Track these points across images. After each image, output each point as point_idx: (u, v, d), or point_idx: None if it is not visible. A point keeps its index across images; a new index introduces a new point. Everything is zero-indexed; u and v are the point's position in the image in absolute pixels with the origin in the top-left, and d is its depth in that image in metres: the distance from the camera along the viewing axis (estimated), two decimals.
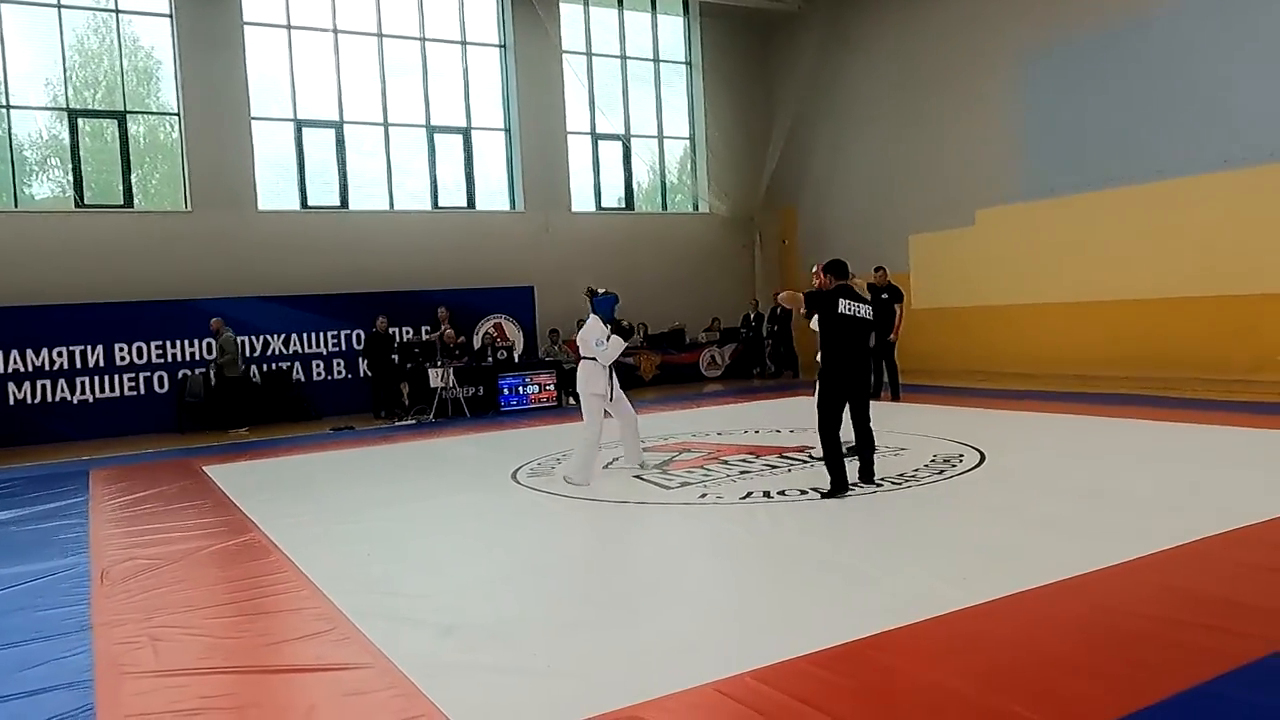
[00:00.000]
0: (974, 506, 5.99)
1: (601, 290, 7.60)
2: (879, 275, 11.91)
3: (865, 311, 6.49)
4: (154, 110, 14.12)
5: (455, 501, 7.17)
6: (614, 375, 7.48)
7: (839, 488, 6.34)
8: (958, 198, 15.12)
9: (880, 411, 7.76)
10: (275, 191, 14.68)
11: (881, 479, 6.80)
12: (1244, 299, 10.76)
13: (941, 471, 7.04)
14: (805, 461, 7.69)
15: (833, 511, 6.03)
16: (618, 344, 7.36)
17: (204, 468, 9.24)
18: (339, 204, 15.10)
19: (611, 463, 8.32)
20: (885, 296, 11.83)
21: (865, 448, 6.71)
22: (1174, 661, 3.31)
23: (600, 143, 17.47)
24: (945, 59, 15.34)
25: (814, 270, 7.59)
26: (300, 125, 14.80)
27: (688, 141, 18.60)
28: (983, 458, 7.50)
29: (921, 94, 15.75)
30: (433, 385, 12.75)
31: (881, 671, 3.42)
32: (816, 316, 6.54)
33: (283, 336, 13.88)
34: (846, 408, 6.56)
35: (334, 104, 15.03)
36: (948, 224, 15.31)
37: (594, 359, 7.38)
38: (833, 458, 6.39)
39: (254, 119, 14.30)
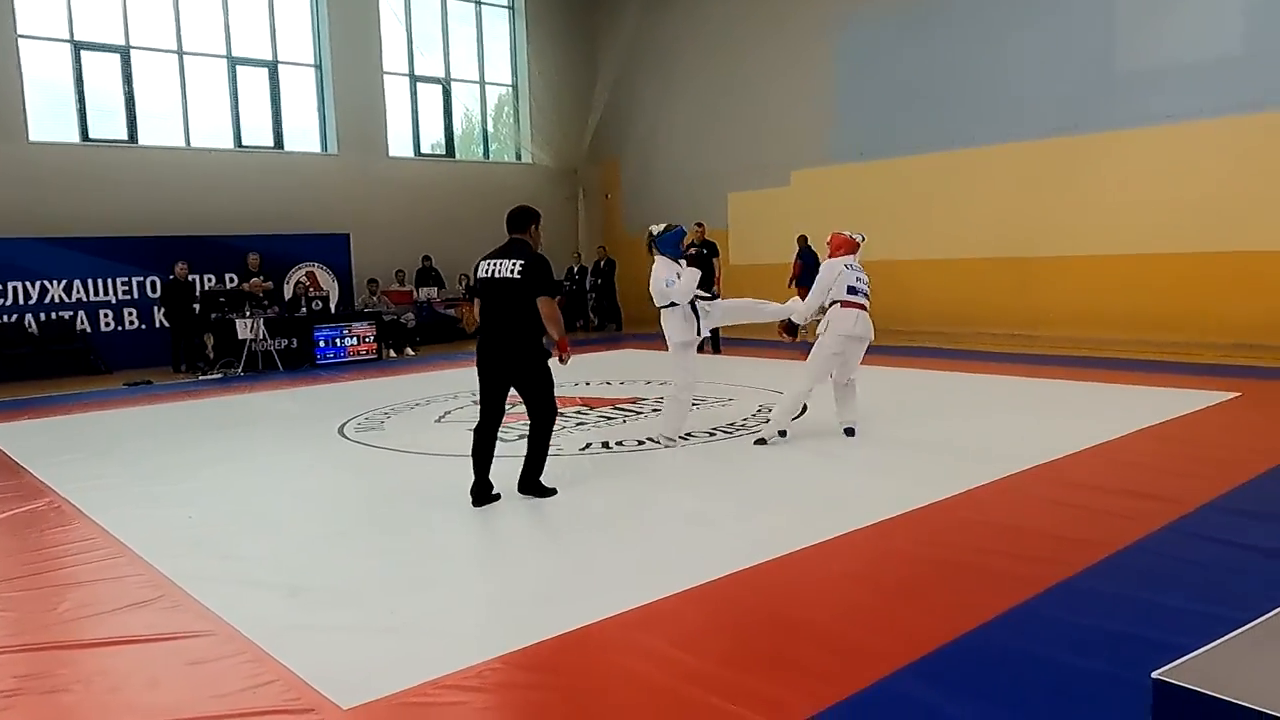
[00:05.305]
0: (803, 453, 6.33)
1: (662, 226, 6.75)
2: (697, 231, 12.04)
3: (510, 270, 5.24)
4: None
5: (280, 459, 6.81)
6: (700, 318, 6.58)
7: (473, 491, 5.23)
8: (775, 158, 15.67)
9: (704, 364, 8.02)
10: (50, 121, 13.16)
11: (714, 428, 7.07)
12: (1027, 260, 11.85)
13: (769, 420, 7.36)
14: (639, 413, 7.84)
15: (672, 461, 6.21)
16: (692, 274, 6.43)
17: None
18: (126, 138, 13.74)
19: (444, 416, 8.16)
20: (704, 252, 12.13)
21: (529, 447, 5.29)
22: (990, 587, 3.66)
23: (419, 85, 16.78)
24: (765, 20, 15.74)
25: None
26: (79, 47, 13.28)
27: (510, 89, 18.20)
28: (804, 408, 7.89)
29: (742, 54, 16.11)
30: (241, 337, 11.97)
31: (740, 607, 3.57)
32: None
33: (63, 283, 12.55)
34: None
35: (119, 26, 13.57)
36: (765, 183, 15.85)
37: (673, 305, 6.49)
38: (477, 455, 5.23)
39: (21, 36, 12.70)
